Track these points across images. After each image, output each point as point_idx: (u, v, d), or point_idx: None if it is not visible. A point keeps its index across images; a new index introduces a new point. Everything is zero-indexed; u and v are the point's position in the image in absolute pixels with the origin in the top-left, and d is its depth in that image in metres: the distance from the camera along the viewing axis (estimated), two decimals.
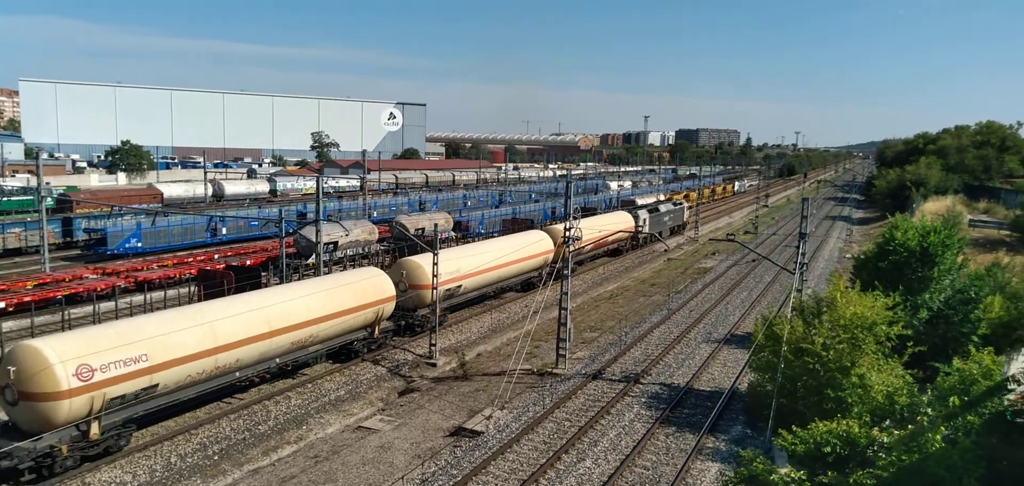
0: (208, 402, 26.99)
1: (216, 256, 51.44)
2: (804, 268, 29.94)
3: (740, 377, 31.08)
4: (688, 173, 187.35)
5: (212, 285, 37.83)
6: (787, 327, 24.20)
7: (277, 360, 28.14)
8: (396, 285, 34.65)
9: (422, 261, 36.79)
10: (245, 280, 39.17)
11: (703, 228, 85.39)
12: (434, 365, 33.07)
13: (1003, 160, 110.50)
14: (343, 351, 32.22)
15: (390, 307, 33.83)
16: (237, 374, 26.30)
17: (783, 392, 23.84)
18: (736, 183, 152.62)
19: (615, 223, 60.92)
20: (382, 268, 38.94)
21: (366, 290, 32.26)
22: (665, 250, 67.64)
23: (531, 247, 46.17)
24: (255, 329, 26.22)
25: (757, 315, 37.09)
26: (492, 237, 53.53)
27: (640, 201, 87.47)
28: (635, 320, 42.05)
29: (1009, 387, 17.07)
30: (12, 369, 20.37)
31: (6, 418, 21.68)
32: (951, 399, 16.15)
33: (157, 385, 22.86)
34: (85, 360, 20.89)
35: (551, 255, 46.85)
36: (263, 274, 43.72)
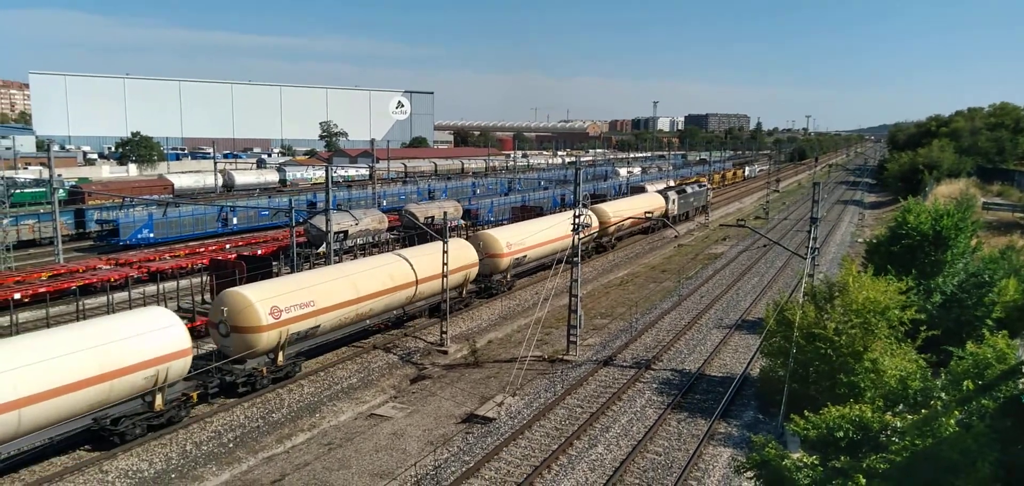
0: (343, 345, 32.80)
1: (227, 246, 51.70)
2: (816, 253, 29.84)
3: (752, 363, 31.06)
4: (698, 159, 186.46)
5: (224, 275, 38.02)
6: (799, 312, 24.14)
7: (395, 312, 34.10)
8: None
9: (497, 234, 43.66)
10: (256, 270, 39.34)
11: (714, 214, 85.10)
12: (445, 352, 33.21)
13: (1017, 142, 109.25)
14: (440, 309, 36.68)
15: (475, 271, 39.75)
16: (367, 322, 32.26)
17: (795, 377, 23.81)
18: (746, 168, 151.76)
19: (649, 204, 68.15)
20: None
21: (459, 256, 37.93)
22: (675, 236, 67.50)
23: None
24: (383, 284, 32.09)
25: (768, 300, 37.00)
26: (544, 215, 57.93)
27: (650, 187, 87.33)
28: (646, 306, 42.04)
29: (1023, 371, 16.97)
30: (224, 309, 26.39)
31: (213, 347, 27.84)
32: (965, 383, 16.06)
33: (319, 326, 28.98)
34: (275, 303, 27.01)
35: (596, 230, 55.45)
36: (274, 263, 43.91)
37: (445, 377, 30.42)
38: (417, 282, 34.42)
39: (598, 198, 72.27)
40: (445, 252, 33.84)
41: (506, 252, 42.72)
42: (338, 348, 32.72)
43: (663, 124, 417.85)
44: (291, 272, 38.09)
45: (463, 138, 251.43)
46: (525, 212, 64.42)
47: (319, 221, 46.02)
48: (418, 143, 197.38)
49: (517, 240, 43.69)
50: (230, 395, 26.59)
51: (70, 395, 20.62)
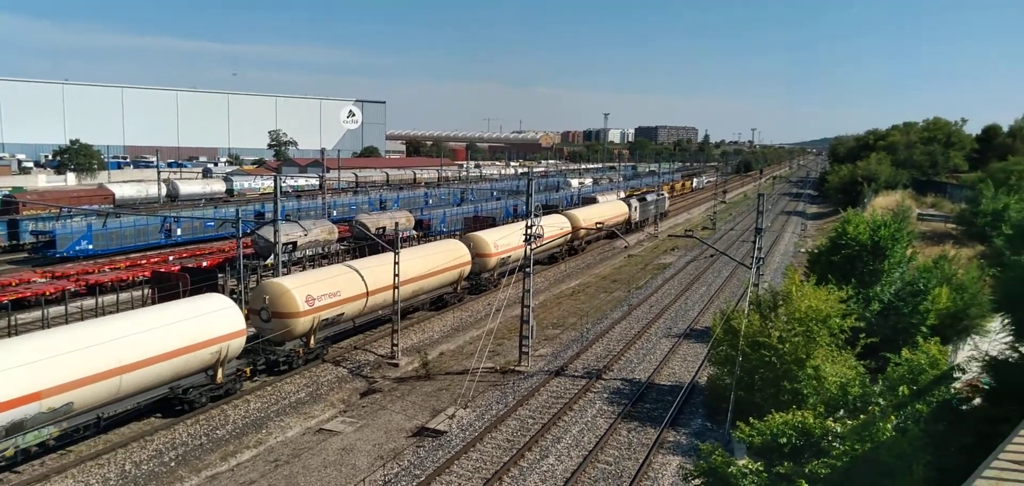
0: (361, 332, 36.38)
1: (171, 258, 50.24)
2: (760, 263, 30.54)
3: (700, 371, 31.56)
4: (648, 170, 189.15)
5: (167, 287, 36.93)
6: (744, 321, 24.65)
7: (400, 304, 36.01)
8: None
9: (486, 236, 47.25)
10: (201, 282, 38.32)
11: (663, 224, 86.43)
12: (396, 365, 32.85)
13: (949, 156, 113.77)
14: (439, 301, 41.98)
15: (468, 269, 43.76)
16: (379, 312, 35.86)
17: (741, 385, 24.28)
18: (695, 180, 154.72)
19: (614, 211, 73.98)
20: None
21: (456, 255, 42.55)
22: (626, 247, 68.29)
23: (556, 228, 57.18)
24: (390, 280, 34.10)
25: (715, 310, 37.73)
26: (498, 225, 59.99)
27: (602, 198, 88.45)
28: (597, 316, 42.38)
29: (955, 375, 17.65)
30: (266, 296, 29.88)
31: (253, 331, 30.00)
32: (901, 388, 16.60)
33: (343, 313, 32.58)
34: (309, 291, 30.45)
35: (569, 234, 60.82)
36: (219, 276, 42.80)
37: (396, 390, 30.08)
38: (421, 277, 38.78)
39: (550, 209, 72.81)
40: (396, 263, 33.50)
41: (494, 252, 46.46)
42: (358, 335, 36.16)
43: (614, 135, 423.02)
44: (238, 285, 37.45)
45: (416, 148, 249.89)
46: (478, 223, 64.30)
47: (267, 232, 45.05)
48: (370, 153, 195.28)
49: (503, 242, 47.09)
50: (272, 372, 29.98)
51: (158, 365, 23.77)
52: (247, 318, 29.38)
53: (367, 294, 33.94)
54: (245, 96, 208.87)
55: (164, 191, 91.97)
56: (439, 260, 40.77)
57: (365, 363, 32.91)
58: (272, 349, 30.00)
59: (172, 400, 25.47)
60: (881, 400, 17.32)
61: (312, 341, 31.30)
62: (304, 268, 48.01)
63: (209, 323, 25.80)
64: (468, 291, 45.13)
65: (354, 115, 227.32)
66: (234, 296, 35.64)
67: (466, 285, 44.69)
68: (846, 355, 23.55)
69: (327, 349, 32.80)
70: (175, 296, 34.39)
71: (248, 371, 28.47)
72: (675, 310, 44.00)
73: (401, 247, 41.32)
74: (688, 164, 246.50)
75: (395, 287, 33.70)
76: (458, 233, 61.11)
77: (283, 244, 42.87)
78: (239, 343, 27.15)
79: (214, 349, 25.88)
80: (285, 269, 41.33)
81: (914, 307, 28.65)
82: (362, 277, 34.06)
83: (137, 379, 23.19)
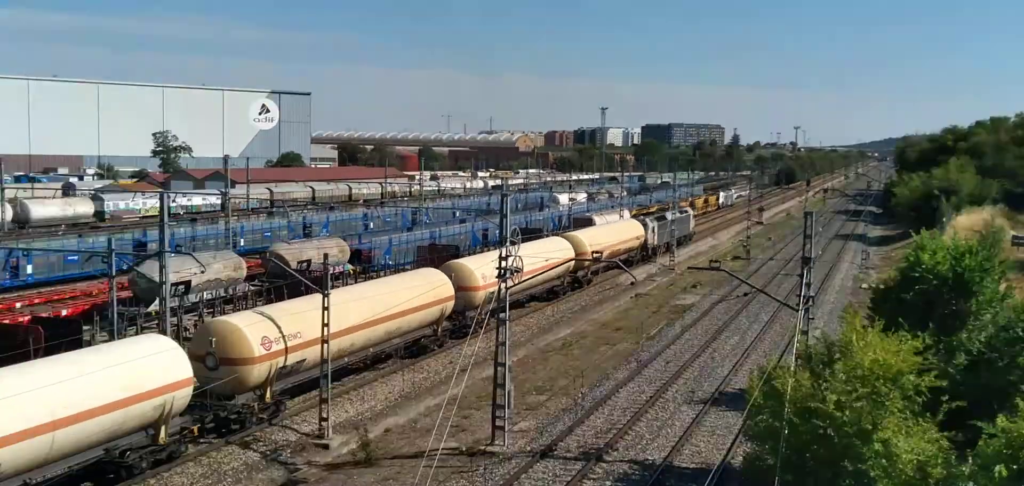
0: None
1: (18, 305, 49.41)
2: (810, 303, 30.77)
3: (733, 448, 31.60)
4: (659, 181, 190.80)
5: (11, 345, 36.15)
6: (791, 381, 24.72)
7: (372, 350, 40.73)
8: None
9: (470, 264, 49.88)
10: (60, 337, 37.61)
11: (680, 252, 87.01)
12: (326, 447, 32.48)
13: None
14: (415, 346, 44.27)
15: (450, 306, 45.85)
16: (346, 359, 38.63)
17: (788, 466, 24.25)
18: (721, 194, 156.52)
19: (628, 232, 79.28)
20: None
21: (435, 290, 44.33)
22: (632, 283, 68.62)
23: (557, 255, 58.82)
24: (361, 319, 37.61)
25: (752, 366, 37.91)
26: (461, 256, 60.32)
27: (598, 218, 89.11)
28: (595, 377, 42.40)
29: None
30: (212, 339, 31.87)
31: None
32: (997, 469, 16.70)
33: (304, 360, 34.93)
34: (265, 332, 32.80)
35: (573, 263, 62.42)
36: (86, 328, 42.09)
37: (325, 482, 29.72)
38: (391, 317, 40.25)
39: (532, 233, 73.07)
40: (325, 309, 33.26)
41: (481, 285, 47.46)
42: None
43: (614, 136, 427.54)
44: (110, 339, 36.96)
45: (351, 154, 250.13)
46: (435, 252, 64.15)
47: (150, 269, 44.48)
48: (290, 160, 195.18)
49: (492, 273, 45.77)
50: (220, 433, 31.58)
51: (98, 419, 24.75)
52: None
53: (335, 336, 35.01)
54: (122, 86, 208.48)
55: (9, 215, 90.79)
56: (413, 294, 41.90)
57: (284, 444, 32.46)
58: (222, 403, 31.30)
59: (107, 464, 26.36)
60: (972, 484, 17.40)
61: (268, 394, 32.89)
62: (200, 315, 47.42)
63: (150, 369, 27.06)
64: (451, 333, 46.75)
65: (268, 111, 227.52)
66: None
67: (449, 327, 46.44)
68: (925, 425, 23.67)
69: (285, 404, 34.74)
70: (24, 357, 33.68)
71: (195, 430, 29.86)
72: (698, 367, 44.19)
73: (350, 283, 41.77)
74: (712, 174, 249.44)
75: (324, 340, 33.37)
76: (410, 267, 60.94)
77: (173, 285, 42.38)
78: (185, 394, 28.39)
79: (158, 401, 26.92)
80: (173, 318, 40.79)
81: (1012, 359, 28.90)
82: (330, 314, 35.08)
83: (73, 436, 24.15)
